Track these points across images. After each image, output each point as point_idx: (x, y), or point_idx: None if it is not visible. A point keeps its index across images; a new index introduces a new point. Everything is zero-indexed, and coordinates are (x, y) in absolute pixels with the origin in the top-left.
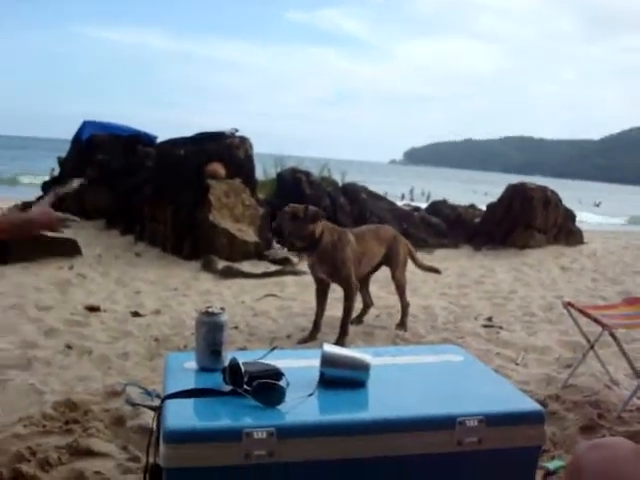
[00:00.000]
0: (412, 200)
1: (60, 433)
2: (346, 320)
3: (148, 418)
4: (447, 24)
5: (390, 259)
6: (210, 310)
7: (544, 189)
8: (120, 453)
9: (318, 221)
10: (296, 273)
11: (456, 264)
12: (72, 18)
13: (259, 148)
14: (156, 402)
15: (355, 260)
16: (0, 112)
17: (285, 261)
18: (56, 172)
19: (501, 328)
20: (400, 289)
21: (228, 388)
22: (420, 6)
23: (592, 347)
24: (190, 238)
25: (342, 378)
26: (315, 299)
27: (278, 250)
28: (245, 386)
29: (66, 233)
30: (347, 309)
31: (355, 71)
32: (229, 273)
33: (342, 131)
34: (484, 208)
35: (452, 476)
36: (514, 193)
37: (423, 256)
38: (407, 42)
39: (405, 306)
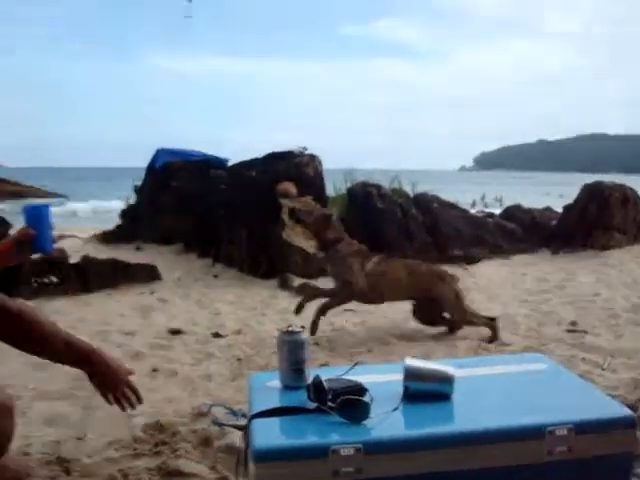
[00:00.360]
0: (486, 207)
1: (150, 455)
2: (324, 305)
3: (235, 438)
4: (509, 25)
5: (439, 302)
6: (291, 329)
7: (622, 187)
8: (209, 473)
9: (324, 225)
10: None
11: (535, 269)
12: (146, 50)
13: (328, 164)
14: (242, 422)
15: (369, 277)
16: (87, 144)
17: None
18: (131, 200)
19: (585, 332)
20: (470, 324)
21: (313, 405)
22: (479, 9)
23: None
24: (265, 257)
25: (426, 391)
26: None
27: None
28: (329, 403)
29: (146, 259)
30: (330, 299)
31: (417, 79)
32: (305, 290)
33: (409, 141)
34: (560, 210)
35: None
36: (590, 193)
37: (501, 262)
38: (469, 46)
39: (491, 327)
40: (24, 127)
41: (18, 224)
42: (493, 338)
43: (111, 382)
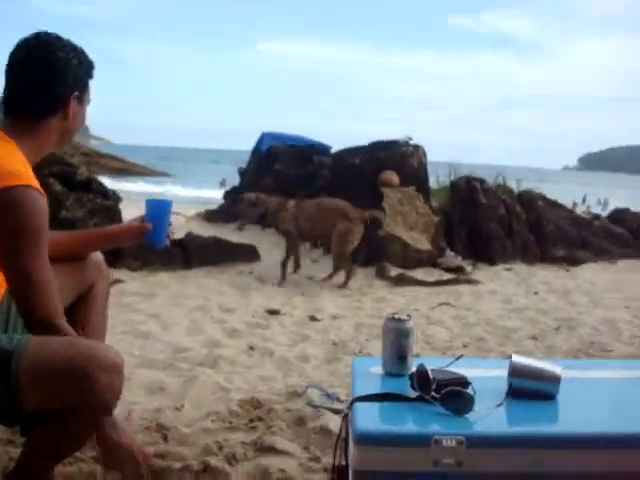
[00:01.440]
0: (589, 208)
1: (245, 430)
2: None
3: (329, 420)
4: (624, 21)
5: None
6: (397, 316)
7: None
8: (302, 452)
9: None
10: (470, 282)
11: None
12: (258, 36)
13: (431, 156)
14: (336, 405)
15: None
16: (197, 127)
17: (459, 269)
18: (228, 182)
19: None
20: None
21: (415, 394)
22: (593, 3)
23: None
24: (364, 245)
25: (531, 389)
26: None
27: (451, 258)
28: (433, 393)
29: (246, 239)
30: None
31: (525, 74)
32: (402, 281)
33: (513, 137)
34: None
35: None
36: None
37: (606, 266)
38: (579, 42)
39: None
40: (137, 110)
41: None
42: (342, 285)
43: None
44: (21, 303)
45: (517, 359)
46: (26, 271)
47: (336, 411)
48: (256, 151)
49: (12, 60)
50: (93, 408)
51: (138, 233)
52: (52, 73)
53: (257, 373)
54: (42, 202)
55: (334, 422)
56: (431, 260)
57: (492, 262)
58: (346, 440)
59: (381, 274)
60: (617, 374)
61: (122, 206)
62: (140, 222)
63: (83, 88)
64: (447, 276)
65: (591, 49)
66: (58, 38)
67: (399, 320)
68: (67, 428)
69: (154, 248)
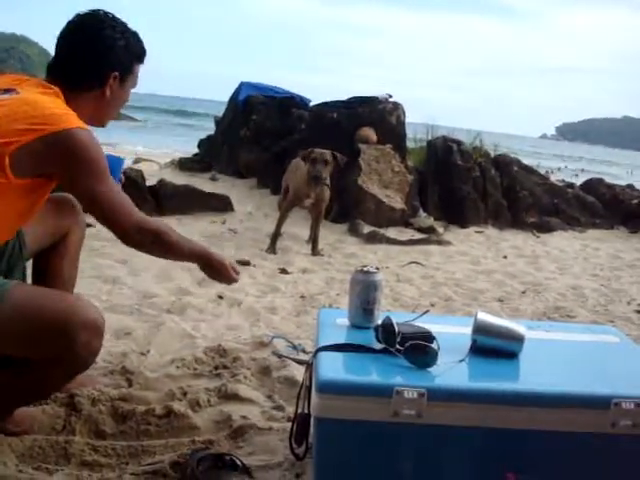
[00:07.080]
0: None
1: (210, 377)
2: None
3: (293, 370)
4: None
5: None
6: (366, 269)
7: None
8: (265, 401)
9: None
10: (441, 243)
11: (609, 245)
12: None
13: (409, 117)
14: (302, 356)
15: None
16: (162, 73)
17: (430, 230)
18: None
19: None
20: None
21: (380, 346)
22: None
23: None
24: (338, 201)
25: (494, 347)
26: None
27: (424, 218)
28: (397, 345)
29: (220, 189)
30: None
31: (507, 41)
32: (374, 238)
33: (492, 102)
34: None
35: (602, 458)
36: None
37: (575, 234)
38: (563, 11)
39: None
40: None
41: None
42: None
43: (221, 274)
44: (110, 226)
45: (482, 316)
46: (103, 197)
47: (301, 362)
48: (233, 101)
49: (64, 30)
50: (69, 365)
51: None
52: (95, 49)
53: (224, 322)
54: (95, 137)
55: (299, 372)
56: (404, 219)
57: (464, 224)
58: (309, 389)
59: (353, 231)
60: (581, 337)
61: None
62: None
63: (126, 70)
64: (419, 236)
65: (574, 19)
66: (112, 18)
67: (367, 272)
68: (39, 378)
69: None
